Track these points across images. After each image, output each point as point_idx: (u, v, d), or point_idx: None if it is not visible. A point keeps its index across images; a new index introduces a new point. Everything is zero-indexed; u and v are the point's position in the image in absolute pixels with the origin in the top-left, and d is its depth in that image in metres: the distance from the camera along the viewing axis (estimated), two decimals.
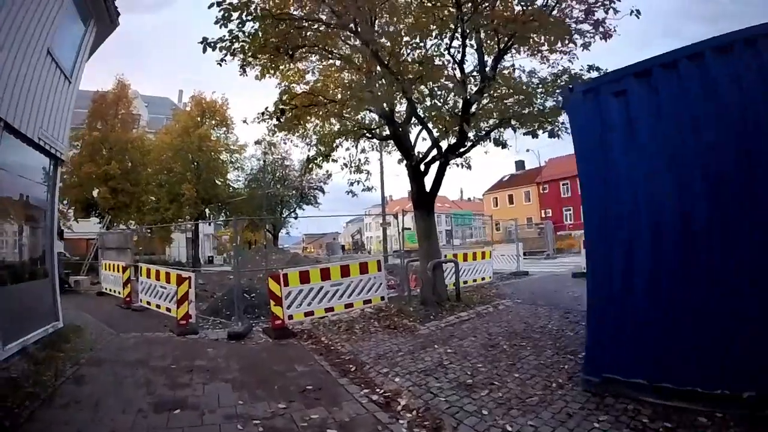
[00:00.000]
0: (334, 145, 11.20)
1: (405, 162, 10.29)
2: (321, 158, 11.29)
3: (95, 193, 28.42)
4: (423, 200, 10.52)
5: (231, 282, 15.95)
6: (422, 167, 10.37)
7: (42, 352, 7.07)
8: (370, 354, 7.04)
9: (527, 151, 35.80)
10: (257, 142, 11.40)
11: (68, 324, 9.09)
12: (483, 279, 14.40)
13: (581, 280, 13.38)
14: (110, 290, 15.10)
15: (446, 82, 8.55)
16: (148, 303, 11.55)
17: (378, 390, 5.46)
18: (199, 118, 32.64)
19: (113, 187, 27.95)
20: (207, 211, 32.34)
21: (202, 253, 40.64)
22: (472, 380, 5.58)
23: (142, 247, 14.69)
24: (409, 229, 48.01)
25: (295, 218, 42.83)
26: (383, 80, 7.92)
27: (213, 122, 33.52)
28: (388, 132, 11.25)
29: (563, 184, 58.28)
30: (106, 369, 6.60)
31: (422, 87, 8.90)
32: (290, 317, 8.94)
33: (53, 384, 5.80)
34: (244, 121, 10.82)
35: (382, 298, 10.32)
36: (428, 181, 10.49)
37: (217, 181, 33.16)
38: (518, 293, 12.11)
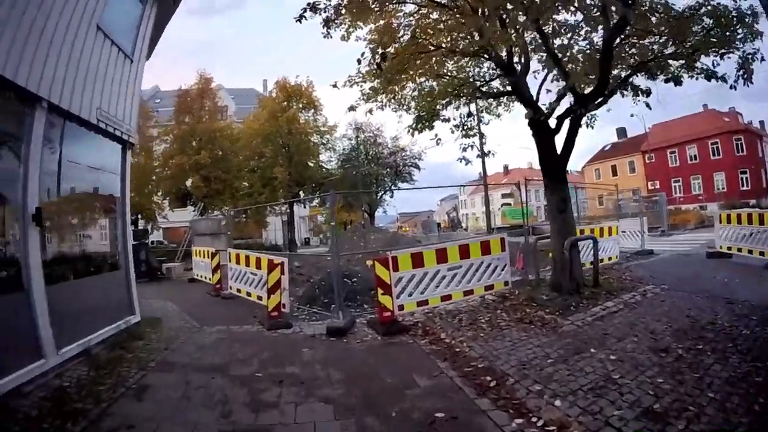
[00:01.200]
0: (443, 102, 9.46)
1: (529, 119, 8.45)
2: (427, 119, 9.54)
3: (188, 183, 29.51)
4: (554, 165, 8.67)
5: (328, 264, 14.90)
6: (553, 123, 8.54)
7: (108, 354, 6.16)
8: (509, 360, 5.35)
9: (632, 116, 32.03)
10: (351, 108, 9.69)
11: (146, 317, 8.24)
12: (610, 259, 12.41)
13: (720, 261, 11.51)
14: (201, 277, 14.42)
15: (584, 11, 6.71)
16: (238, 290, 10.51)
17: (535, 420, 3.84)
18: (285, 103, 32.08)
19: (205, 175, 28.81)
20: (301, 193, 31.89)
21: (298, 235, 40.40)
22: (658, 404, 3.89)
23: (231, 232, 13.71)
24: (509, 204, 46.05)
25: (391, 197, 41.16)
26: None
27: (300, 106, 32.76)
28: (500, 88, 9.58)
29: (671, 153, 52.86)
30: (177, 377, 5.44)
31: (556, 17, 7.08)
32: (400, 308, 7.38)
33: (110, 397, 4.74)
34: (334, 85, 9.35)
35: (506, 284, 8.55)
36: (558, 142, 8.67)
37: (309, 163, 32.65)
38: (657, 277, 9.97)
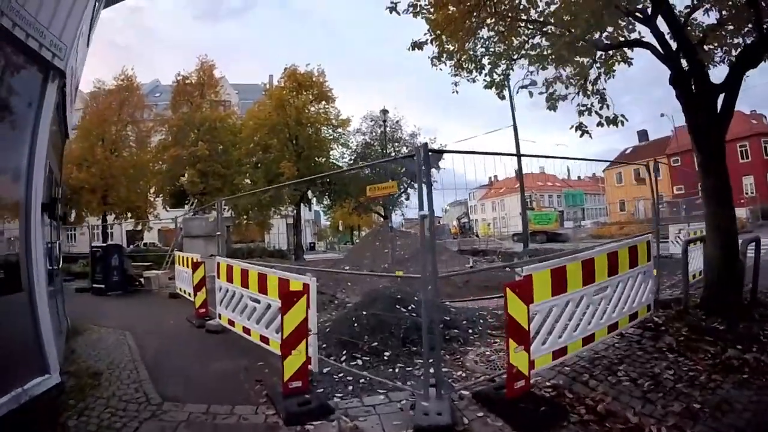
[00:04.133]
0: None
1: (675, 75, 6.14)
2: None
3: (184, 178, 27.40)
4: (713, 136, 6.18)
5: (349, 278, 11.86)
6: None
7: None
8: None
9: (662, 115, 29.22)
10: (415, 45, 6.71)
11: (79, 370, 4.99)
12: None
13: None
14: (183, 292, 11.03)
15: None
16: (231, 322, 6.92)
17: None
18: (294, 92, 29.10)
19: (202, 170, 26.70)
20: (309, 192, 28.76)
21: (303, 239, 37.10)
22: None
23: (223, 233, 10.42)
24: (533, 209, 42.97)
25: (407, 198, 37.35)
26: None
27: (310, 96, 29.70)
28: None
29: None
30: None
31: None
32: (530, 366, 4.26)
33: None
34: (393, 9, 6.93)
35: (649, 308, 5.94)
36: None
37: (319, 159, 29.51)
38: None
